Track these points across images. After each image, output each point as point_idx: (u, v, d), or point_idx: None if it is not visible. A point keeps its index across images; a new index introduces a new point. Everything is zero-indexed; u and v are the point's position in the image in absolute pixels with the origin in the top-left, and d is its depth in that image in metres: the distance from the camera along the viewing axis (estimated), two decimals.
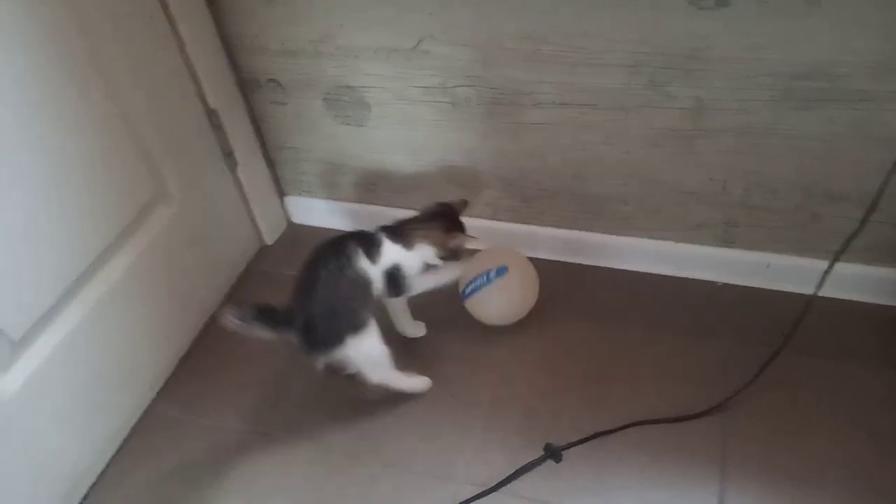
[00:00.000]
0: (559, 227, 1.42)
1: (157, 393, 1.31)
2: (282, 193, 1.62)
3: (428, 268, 1.18)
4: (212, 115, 1.36)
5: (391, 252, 1.14)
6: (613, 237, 1.39)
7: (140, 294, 1.24)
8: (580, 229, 1.40)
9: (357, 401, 1.24)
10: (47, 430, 1.09)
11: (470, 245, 1.20)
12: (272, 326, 1.07)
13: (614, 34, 1.11)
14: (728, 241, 1.34)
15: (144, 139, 1.21)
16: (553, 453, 1.14)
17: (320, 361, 1.11)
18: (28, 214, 1.02)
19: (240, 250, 1.53)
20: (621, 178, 1.29)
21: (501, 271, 1.26)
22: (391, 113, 1.37)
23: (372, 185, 1.52)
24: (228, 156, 1.43)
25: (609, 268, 1.42)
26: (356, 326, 1.10)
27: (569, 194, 1.35)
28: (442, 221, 1.20)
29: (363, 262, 1.12)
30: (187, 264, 1.36)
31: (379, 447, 1.18)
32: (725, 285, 1.37)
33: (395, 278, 1.14)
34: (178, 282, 1.34)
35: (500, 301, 1.29)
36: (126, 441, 1.24)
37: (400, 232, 1.17)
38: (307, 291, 1.09)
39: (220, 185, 1.44)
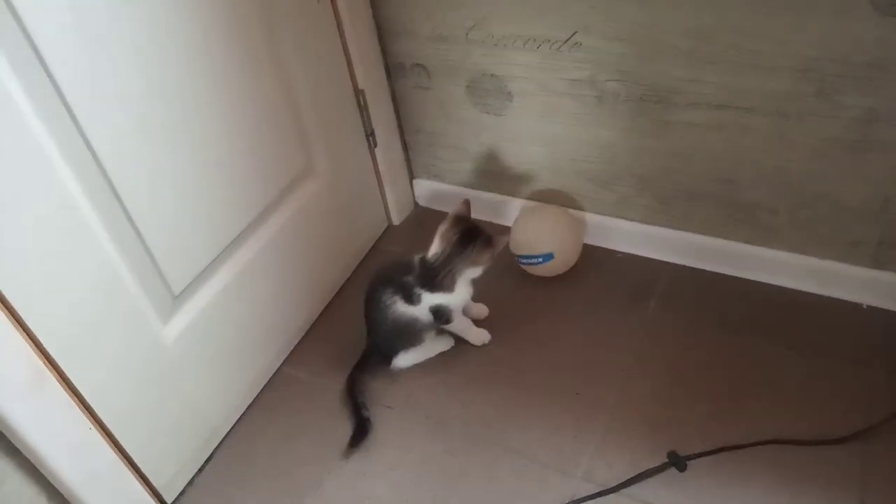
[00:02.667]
0: (696, 232, 1.37)
1: (288, 356, 1.38)
2: (412, 176, 1.65)
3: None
4: (359, 96, 1.41)
5: (431, 299, 1.23)
6: (756, 248, 1.33)
7: (281, 261, 1.30)
8: (720, 237, 1.35)
9: (477, 385, 1.27)
10: (195, 380, 1.17)
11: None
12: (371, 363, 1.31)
13: (790, 37, 1.06)
14: (879, 263, 1.25)
15: (300, 113, 1.27)
16: (677, 461, 1.11)
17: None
18: (198, 180, 1.09)
19: (370, 228, 1.58)
20: (774, 186, 1.24)
21: (549, 258, 1.39)
22: (532, 104, 1.37)
23: (502, 175, 1.53)
24: (370, 136, 1.47)
25: (747, 279, 1.37)
26: (407, 347, 1.29)
27: (712, 199, 1.31)
28: (470, 242, 1.20)
29: (403, 307, 1.23)
30: (324, 237, 1.41)
31: (500, 434, 1.19)
32: (871, 308, 1.29)
33: (439, 314, 1.25)
34: (314, 252, 1.39)
35: (544, 272, 1.43)
36: (257, 399, 1.31)
37: (437, 280, 1.21)
38: (369, 326, 1.30)
39: (360, 163, 1.49)
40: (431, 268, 1.21)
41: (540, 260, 1.39)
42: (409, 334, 1.27)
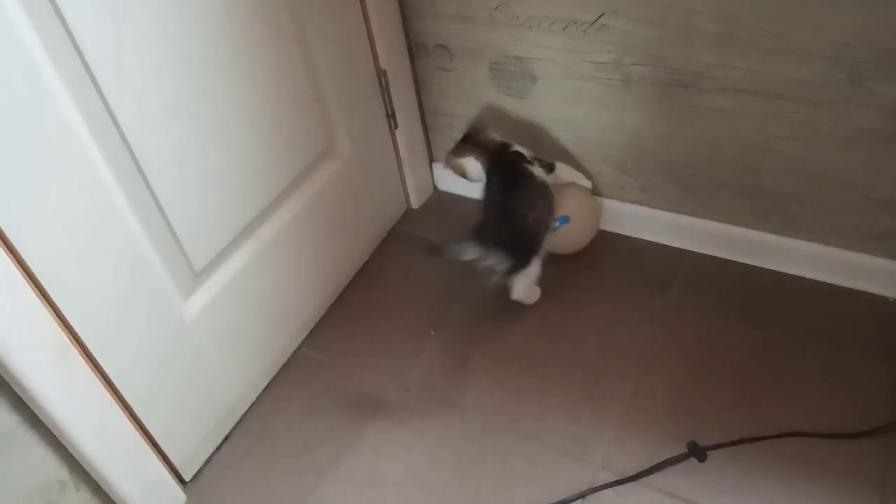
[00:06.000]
0: (721, 221, 1.35)
1: (306, 336, 1.38)
2: (432, 159, 1.64)
3: None
4: (381, 76, 1.40)
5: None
6: (781, 238, 1.31)
7: (302, 240, 1.30)
8: (745, 226, 1.33)
9: (494, 371, 1.26)
10: (215, 357, 1.18)
11: None
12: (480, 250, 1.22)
13: (823, 22, 1.04)
14: None
15: (323, 92, 1.26)
16: (697, 451, 1.10)
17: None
18: (222, 156, 1.09)
19: (389, 211, 1.58)
20: (803, 176, 1.21)
21: (564, 220, 1.38)
22: (556, 87, 1.35)
23: None
24: (391, 117, 1.46)
25: (772, 269, 1.35)
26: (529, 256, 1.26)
27: (738, 188, 1.29)
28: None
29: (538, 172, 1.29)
30: (344, 218, 1.41)
31: (517, 420, 1.19)
32: None
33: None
34: (334, 233, 1.39)
35: (561, 243, 1.41)
36: (275, 379, 1.32)
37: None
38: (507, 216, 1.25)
39: (381, 144, 1.48)
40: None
41: (556, 224, 1.36)
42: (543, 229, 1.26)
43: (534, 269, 1.27)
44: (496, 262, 1.22)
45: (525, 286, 1.29)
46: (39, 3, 0.80)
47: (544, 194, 1.28)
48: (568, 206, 1.38)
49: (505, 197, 1.25)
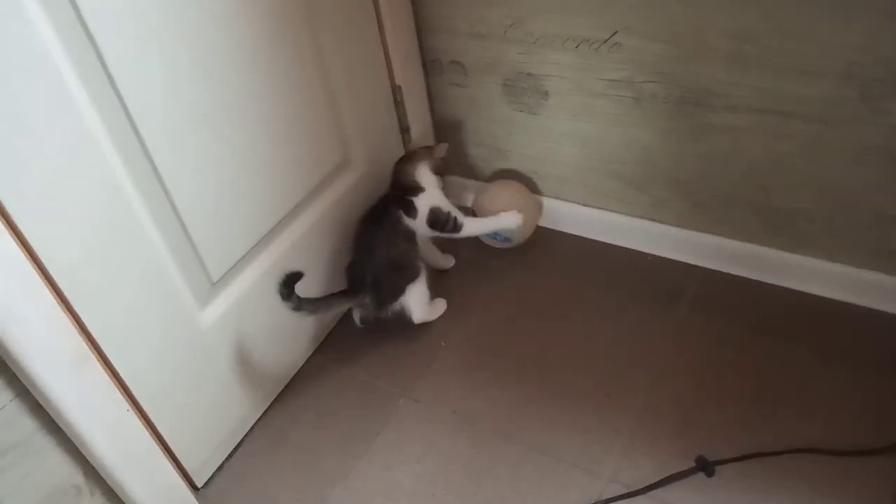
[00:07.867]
0: (730, 237, 1.36)
1: (319, 345, 1.40)
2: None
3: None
4: (396, 91, 1.42)
5: (422, 203, 1.34)
6: (790, 255, 1.31)
7: (316, 252, 1.32)
8: (754, 242, 1.34)
9: (505, 383, 1.27)
10: (229, 365, 1.19)
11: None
12: (346, 299, 1.31)
13: (835, 39, 1.05)
14: None
15: (339, 106, 1.28)
16: (705, 466, 1.10)
17: (383, 313, 1.30)
18: (240, 168, 1.11)
19: None
20: (812, 193, 1.22)
21: (501, 238, 1.49)
22: (568, 104, 1.37)
23: (533, 174, 1.53)
24: (405, 131, 1.49)
25: (782, 286, 1.35)
26: (413, 277, 1.31)
27: (748, 204, 1.30)
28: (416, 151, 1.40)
29: (406, 219, 1.32)
30: None
31: (526, 432, 1.20)
32: None
33: (437, 217, 1.34)
34: (347, 244, 1.40)
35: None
36: (287, 388, 1.33)
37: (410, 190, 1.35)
38: (368, 256, 1.29)
39: (395, 158, 1.49)
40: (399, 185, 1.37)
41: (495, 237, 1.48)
42: (412, 261, 1.34)
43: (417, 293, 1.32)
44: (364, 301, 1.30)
45: (421, 310, 1.34)
46: (64, 15, 0.83)
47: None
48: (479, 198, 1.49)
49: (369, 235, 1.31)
